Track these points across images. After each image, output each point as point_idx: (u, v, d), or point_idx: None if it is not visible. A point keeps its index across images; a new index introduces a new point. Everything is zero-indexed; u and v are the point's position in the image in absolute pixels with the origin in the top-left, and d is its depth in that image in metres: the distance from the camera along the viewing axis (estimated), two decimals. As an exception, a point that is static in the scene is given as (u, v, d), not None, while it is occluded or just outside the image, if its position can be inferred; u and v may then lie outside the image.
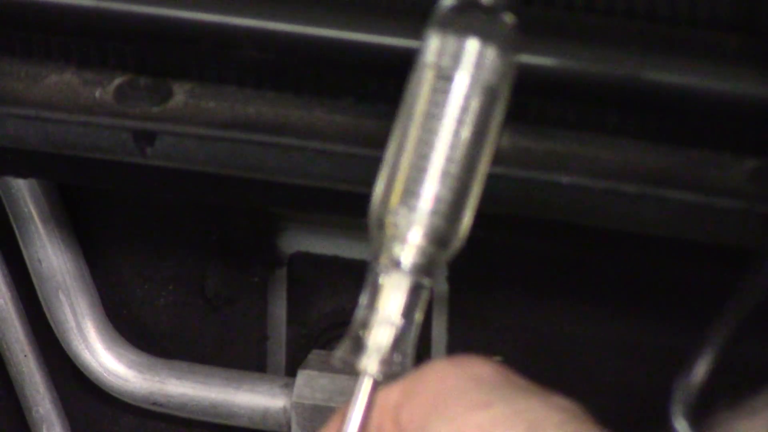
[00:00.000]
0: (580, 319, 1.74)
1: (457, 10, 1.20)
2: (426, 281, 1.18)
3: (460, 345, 1.72)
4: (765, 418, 1.16)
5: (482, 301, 1.75)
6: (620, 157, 1.37)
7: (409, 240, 1.18)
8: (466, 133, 1.18)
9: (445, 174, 1.18)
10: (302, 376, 1.70)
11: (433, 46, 1.19)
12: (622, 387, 1.28)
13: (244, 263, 1.84)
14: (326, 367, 1.70)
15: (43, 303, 1.80)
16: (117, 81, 1.45)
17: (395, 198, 1.18)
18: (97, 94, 1.44)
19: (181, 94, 1.44)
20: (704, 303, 1.20)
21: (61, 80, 1.46)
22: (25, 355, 1.83)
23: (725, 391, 1.16)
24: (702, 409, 1.16)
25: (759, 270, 1.20)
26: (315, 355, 1.72)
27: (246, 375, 1.82)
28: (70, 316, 1.80)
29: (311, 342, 1.77)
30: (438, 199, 1.18)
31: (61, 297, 1.81)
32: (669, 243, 1.43)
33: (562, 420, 1.15)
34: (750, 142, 1.33)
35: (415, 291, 1.18)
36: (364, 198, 1.18)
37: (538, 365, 1.31)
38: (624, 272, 1.69)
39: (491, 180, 1.20)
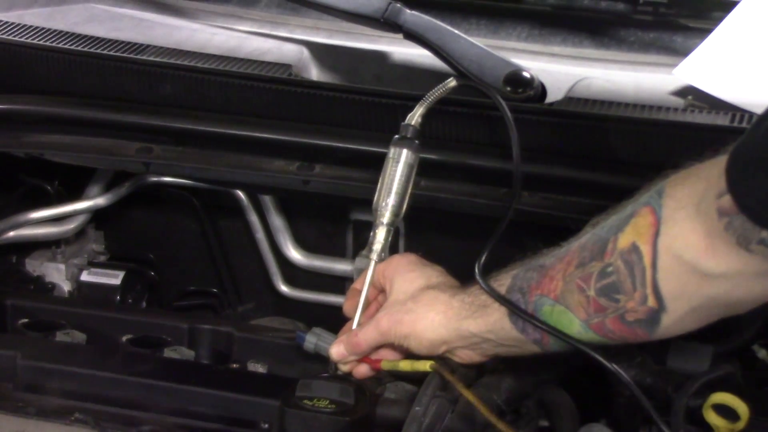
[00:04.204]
0: (452, 238, 1.55)
1: (399, 139, 1.22)
2: (393, 228, 1.23)
3: (408, 250, 1.47)
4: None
5: (417, 234, 1.60)
6: (453, 188, 1.37)
7: (385, 215, 1.22)
8: (403, 180, 1.22)
9: (396, 193, 1.22)
10: (357, 260, 1.51)
11: (392, 151, 1.23)
12: (468, 262, 1.14)
13: (338, 222, 1.66)
14: (364, 256, 1.33)
15: (273, 234, 1.67)
16: (296, 163, 1.41)
17: (381, 201, 1.22)
18: (290, 167, 1.41)
19: (317, 168, 1.41)
20: (486, 227, 1.20)
21: (278, 163, 1.42)
22: (266, 252, 1.69)
23: (499, 263, 1.14)
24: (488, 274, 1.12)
25: (503, 219, 1.20)
26: (360, 254, 1.48)
27: (339, 258, 1.67)
28: (281, 238, 1.68)
29: (360, 250, 1.54)
30: (394, 202, 1.22)
31: (279, 234, 1.68)
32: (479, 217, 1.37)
33: (439, 275, 1.20)
34: (500, 183, 1.33)
35: (389, 231, 1.22)
36: (371, 201, 1.23)
37: (435, 257, 1.23)
38: (453, 221, 1.50)
39: (414, 196, 1.24)
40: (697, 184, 0.96)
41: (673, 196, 0.97)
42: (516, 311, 1.08)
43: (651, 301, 0.99)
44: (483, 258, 1.15)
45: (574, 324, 1.05)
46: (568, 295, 1.05)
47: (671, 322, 1.00)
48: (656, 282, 0.98)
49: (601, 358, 1.06)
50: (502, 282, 1.12)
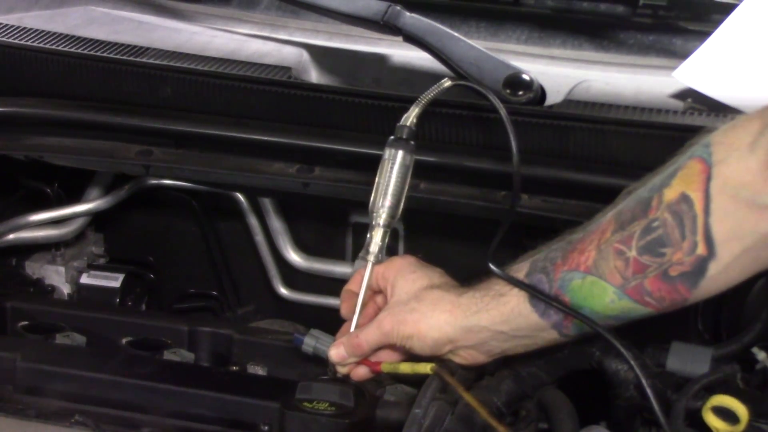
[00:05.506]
0: (449, 239, 1.56)
1: (394, 140, 1.23)
2: (389, 229, 1.23)
3: (408, 252, 1.43)
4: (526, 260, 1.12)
5: (417, 237, 1.60)
6: (452, 190, 1.37)
7: (382, 217, 1.22)
8: (398, 181, 1.23)
9: (392, 194, 1.22)
10: (356, 263, 1.51)
11: (387, 153, 1.23)
12: (468, 265, 1.16)
13: (338, 225, 1.66)
14: (361, 258, 1.30)
15: (273, 236, 1.67)
16: (296, 166, 1.42)
17: (377, 202, 1.23)
18: (290, 170, 1.42)
19: (317, 170, 1.42)
20: (486, 230, 1.21)
21: (278, 166, 1.42)
22: (266, 255, 1.68)
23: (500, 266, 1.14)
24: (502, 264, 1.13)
25: (504, 224, 1.20)
26: (359, 256, 1.31)
27: (339, 260, 1.68)
28: (281, 241, 1.68)
29: (359, 252, 1.31)
30: (390, 204, 1.23)
31: (279, 236, 1.68)
32: (475, 220, 1.40)
33: (440, 276, 1.20)
34: (500, 185, 1.34)
35: (385, 233, 1.23)
36: (367, 202, 1.24)
37: (435, 259, 1.23)
38: (452, 224, 1.53)
39: (413, 198, 1.27)
40: (749, 126, 0.97)
41: (723, 143, 0.98)
42: (536, 293, 1.07)
43: (701, 249, 0.98)
44: (493, 248, 1.16)
45: (607, 293, 1.04)
46: (602, 263, 1.04)
47: (718, 271, 0.99)
48: (708, 226, 0.98)
49: (617, 343, 1.06)
50: (519, 269, 1.12)
